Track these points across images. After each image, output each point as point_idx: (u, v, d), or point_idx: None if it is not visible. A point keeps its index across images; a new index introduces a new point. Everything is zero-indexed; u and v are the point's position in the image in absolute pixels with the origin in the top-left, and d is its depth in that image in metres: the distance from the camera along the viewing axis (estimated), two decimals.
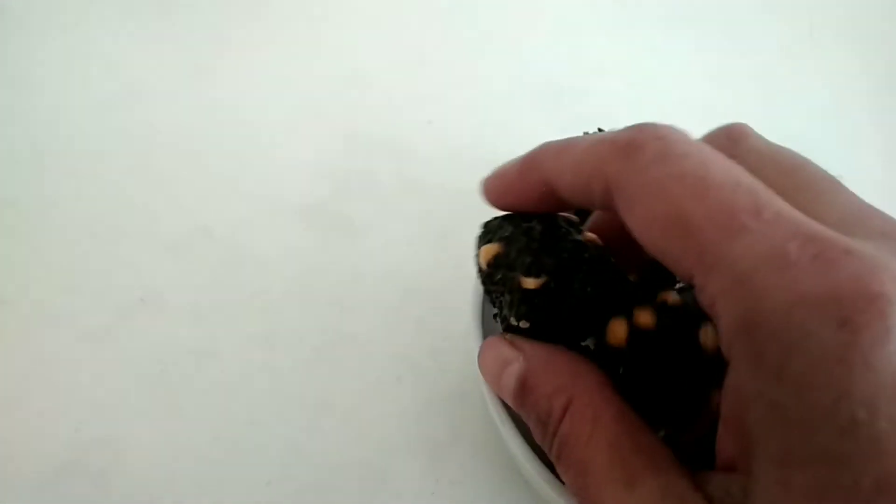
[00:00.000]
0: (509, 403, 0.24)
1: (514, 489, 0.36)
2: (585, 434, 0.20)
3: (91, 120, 0.48)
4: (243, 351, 0.38)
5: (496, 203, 0.25)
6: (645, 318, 0.23)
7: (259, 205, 0.44)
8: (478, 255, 0.25)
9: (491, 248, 0.24)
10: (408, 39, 0.56)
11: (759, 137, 0.23)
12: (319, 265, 0.42)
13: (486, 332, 0.34)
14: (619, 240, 0.23)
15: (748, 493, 0.17)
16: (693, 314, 0.23)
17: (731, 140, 0.23)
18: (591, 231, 0.25)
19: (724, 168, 0.18)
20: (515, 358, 0.24)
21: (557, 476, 0.25)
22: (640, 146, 0.19)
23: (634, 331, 0.23)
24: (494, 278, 0.24)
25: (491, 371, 0.24)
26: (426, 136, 0.49)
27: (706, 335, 0.22)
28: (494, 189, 0.25)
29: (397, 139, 0.49)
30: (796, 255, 0.16)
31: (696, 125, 0.48)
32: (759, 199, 0.18)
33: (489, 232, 0.25)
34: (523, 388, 0.23)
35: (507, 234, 0.24)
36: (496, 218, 0.26)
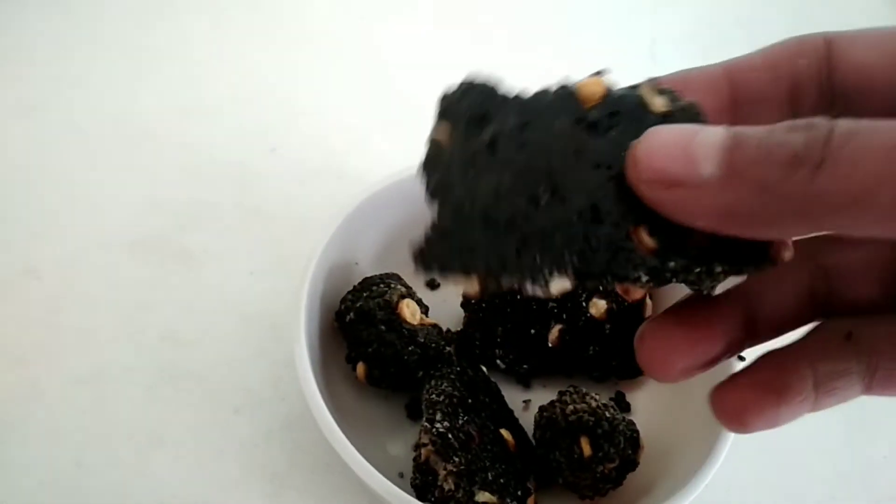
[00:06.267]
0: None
1: None
2: None
3: None
4: (69, 393, 0.37)
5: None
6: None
7: (89, 241, 0.43)
8: None
9: None
10: (249, 70, 0.56)
11: None
12: (153, 299, 0.41)
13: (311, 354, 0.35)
14: None
15: None
16: None
17: None
18: None
19: None
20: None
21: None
22: None
23: None
24: None
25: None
26: (270, 163, 0.49)
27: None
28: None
29: (240, 168, 0.49)
30: None
31: None
32: None
33: None
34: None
35: None
36: None
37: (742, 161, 0.17)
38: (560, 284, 0.19)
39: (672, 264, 0.19)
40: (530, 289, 0.20)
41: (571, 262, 0.19)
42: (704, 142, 0.17)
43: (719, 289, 0.21)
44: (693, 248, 0.19)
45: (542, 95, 0.21)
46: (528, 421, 0.38)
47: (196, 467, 0.36)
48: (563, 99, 0.21)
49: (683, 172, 0.17)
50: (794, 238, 0.21)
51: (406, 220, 0.42)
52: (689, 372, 0.22)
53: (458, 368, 0.37)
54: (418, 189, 0.41)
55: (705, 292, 0.21)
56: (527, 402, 0.40)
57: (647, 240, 0.19)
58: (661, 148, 0.18)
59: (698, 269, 0.19)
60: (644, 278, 0.19)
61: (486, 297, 0.20)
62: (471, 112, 0.21)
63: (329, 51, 0.58)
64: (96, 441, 0.36)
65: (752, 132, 0.17)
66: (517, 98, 0.21)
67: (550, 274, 0.19)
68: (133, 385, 0.38)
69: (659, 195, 0.18)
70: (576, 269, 0.19)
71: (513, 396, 0.39)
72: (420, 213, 0.42)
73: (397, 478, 0.36)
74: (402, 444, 0.37)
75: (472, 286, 0.20)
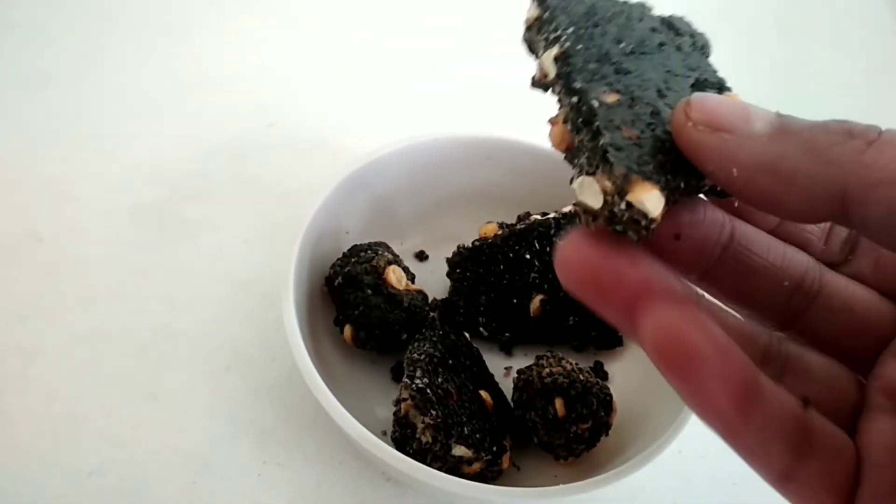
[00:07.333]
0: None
1: (340, 467, 0.37)
2: None
3: None
4: (68, 350, 0.39)
5: None
6: None
7: (91, 207, 0.45)
8: None
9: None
10: (251, 47, 0.57)
11: None
12: (150, 265, 0.43)
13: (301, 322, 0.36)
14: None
15: None
16: None
17: None
18: None
19: None
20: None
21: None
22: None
23: None
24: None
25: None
26: (267, 137, 0.51)
27: None
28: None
29: (238, 141, 0.50)
30: None
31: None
32: None
33: None
34: None
35: None
36: None
37: (794, 125, 0.17)
38: (547, 58, 0.21)
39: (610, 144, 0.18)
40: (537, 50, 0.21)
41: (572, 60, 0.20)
42: (759, 108, 0.18)
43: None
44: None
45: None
46: (509, 387, 0.39)
47: (187, 422, 0.37)
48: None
49: (735, 122, 0.17)
50: (812, 225, 0.21)
51: (396, 192, 0.44)
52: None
53: (441, 332, 0.38)
54: (407, 163, 0.43)
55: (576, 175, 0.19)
56: (508, 369, 0.41)
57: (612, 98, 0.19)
58: (717, 100, 0.18)
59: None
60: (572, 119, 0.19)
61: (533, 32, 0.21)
62: None
63: (328, 30, 0.60)
64: (92, 394, 0.38)
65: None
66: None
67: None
68: (129, 344, 0.40)
69: (703, 137, 0.17)
70: (562, 72, 0.20)
71: (495, 363, 0.41)
72: (409, 187, 0.44)
73: (381, 436, 0.37)
74: (386, 407, 0.38)
75: (533, 12, 0.22)
